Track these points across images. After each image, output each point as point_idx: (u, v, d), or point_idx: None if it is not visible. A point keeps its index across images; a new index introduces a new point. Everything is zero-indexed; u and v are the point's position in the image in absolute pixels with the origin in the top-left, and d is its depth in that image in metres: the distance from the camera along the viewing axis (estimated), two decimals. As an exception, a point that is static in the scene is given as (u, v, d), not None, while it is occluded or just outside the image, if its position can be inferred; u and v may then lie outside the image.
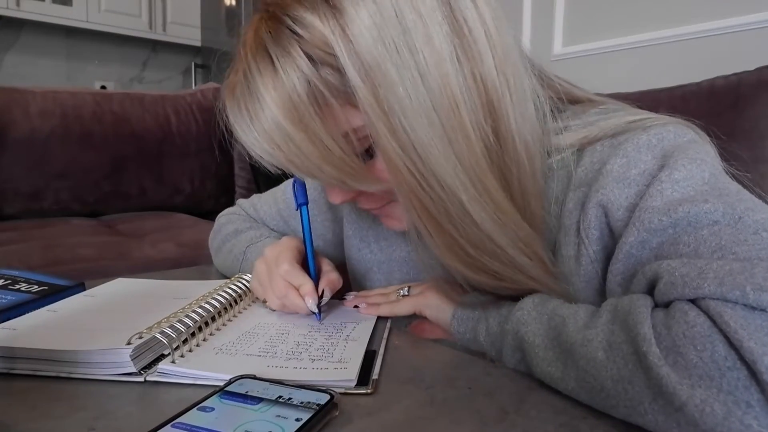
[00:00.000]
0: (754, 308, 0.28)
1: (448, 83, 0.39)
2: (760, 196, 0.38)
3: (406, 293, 0.55)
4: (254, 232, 0.70)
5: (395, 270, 0.63)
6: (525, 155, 0.43)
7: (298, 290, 0.52)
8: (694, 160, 0.39)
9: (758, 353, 0.27)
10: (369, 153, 0.43)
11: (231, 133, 0.44)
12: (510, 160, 0.42)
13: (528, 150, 0.43)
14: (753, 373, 0.27)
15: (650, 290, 0.36)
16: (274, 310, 0.54)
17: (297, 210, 0.55)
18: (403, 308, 0.53)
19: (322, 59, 0.39)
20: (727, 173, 0.41)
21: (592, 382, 0.34)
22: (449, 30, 0.40)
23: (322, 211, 0.70)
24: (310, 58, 0.39)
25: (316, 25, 0.39)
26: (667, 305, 0.33)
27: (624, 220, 0.40)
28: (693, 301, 0.31)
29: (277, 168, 0.43)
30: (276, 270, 0.52)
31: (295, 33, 0.40)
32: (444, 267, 0.47)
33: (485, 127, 0.41)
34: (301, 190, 0.55)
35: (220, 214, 0.80)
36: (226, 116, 0.44)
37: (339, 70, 0.39)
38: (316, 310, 0.51)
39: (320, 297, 0.52)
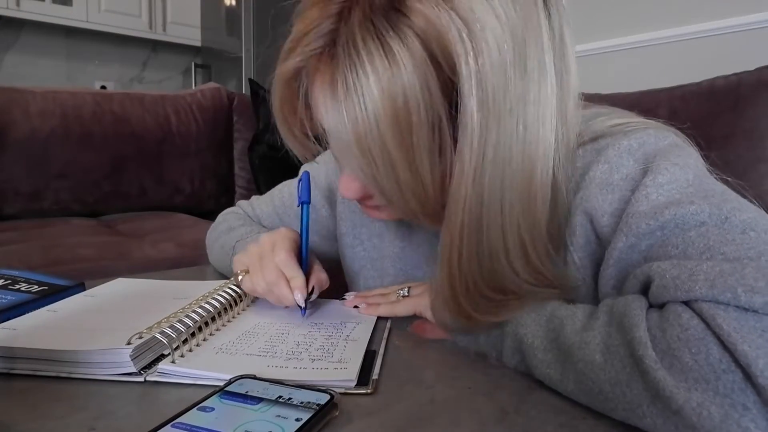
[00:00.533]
0: (746, 310, 0.29)
1: (545, 144, 0.39)
2: (744, 196, 0.38)
3: (406, 294, 0.55)
4: (245, 228, 0.71)
5: (388, 266, 0.63)
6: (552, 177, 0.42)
7: (288, 282, 0.51)
8: (676, 164, 0.39)
9: (752, 356, 0.27)
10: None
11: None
12: (556, 200, 0.42)
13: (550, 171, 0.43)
14: (748, 375, 0.27)
15: (644, 292, 0.36)
16: (245, 292, 0.53)
17: (298, 206, 0.55)
18: (403, 309, 0.53)
19: (445, 80, 0.37)
20: (712, 174, 0.41)
21: (590, 384, 0.34)
22: (557, 81, 0.39)
23: (317, 209, 0.70)
24: (438, 80, 0.37)
25: (451, 41, 0.36)
26: (661, 306, 0.33)
27: (610, 225, 0.41)
28: (686, 303, 0.31)
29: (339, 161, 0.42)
30: (271, 256, 0.52)
31: (422, 39, 0.36)
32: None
33: (550, 174, 0.40)
34: (306, 188, 0.55)
35: (220, 213, 0.81)
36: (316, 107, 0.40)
37: (451, 99, 0.37)
38: (303, 305, 0.51)
39: (309, 293, 0.52)
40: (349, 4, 0.38)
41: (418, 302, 0.53)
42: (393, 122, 0.37)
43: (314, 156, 0.48)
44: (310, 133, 0.44)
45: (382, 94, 0.36)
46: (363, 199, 0.49)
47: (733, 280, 0.29)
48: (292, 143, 0.47)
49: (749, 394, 0.27)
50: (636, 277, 0.36)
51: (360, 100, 0.37)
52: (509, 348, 0.42)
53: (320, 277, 0.54)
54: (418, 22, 0.36)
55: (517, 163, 0.38)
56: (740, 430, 0.27)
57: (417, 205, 0.41)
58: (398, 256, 0.62)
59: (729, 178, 0.41)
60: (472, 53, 0.35)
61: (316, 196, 0.70)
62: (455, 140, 0.38)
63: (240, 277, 0.54)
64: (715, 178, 0.41)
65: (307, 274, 0.53)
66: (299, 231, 0.55)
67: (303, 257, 0.54)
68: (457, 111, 0.37)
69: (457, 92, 0.37)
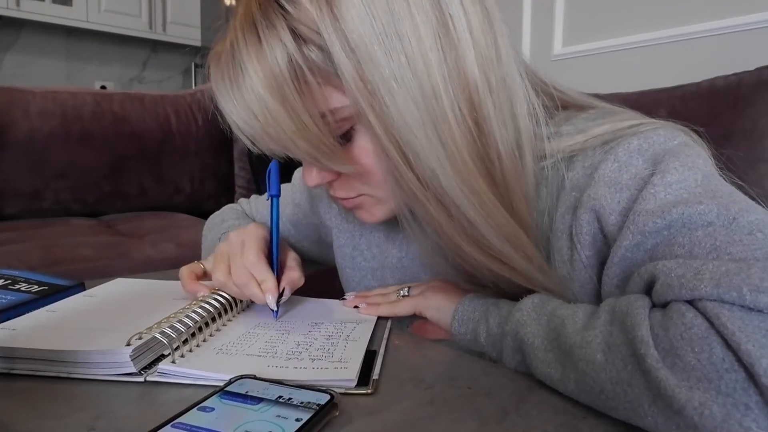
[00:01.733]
0: (751, 309, 0.28)
1: (432, 71, 0.40)
2: (755, 199, 0.38)
3: (406, 293, 0.55)
4: (236, 221, 0.71)
5: (388, 276, 0.63)
6: (510, 154, 0.44)
7: (258, 283, 0.50)
8: (685, 164, 0.39)
9: (756, 356, 0.27)
10: (347, 137, 0.45)
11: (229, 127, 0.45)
12: (493, 155, 0.43)
13: (513, 150, 0.44)
14: (751, 375, 0.27)
15: (647, 291, 0.36)
16: (212, 289, 0.52)
17: (268, 200, 0.54)
18: (403, 308, 0.53)
19: (307, 36, 0.40)
20: (721, 176, 0.41)
21: (591, 384, 0.34)
22: (435, 22, 0.41)
23: (308, 215, 0.71)
24: (294, 33, 0.40)
25: (304, 1, 0.40)
26: (664, 306, 0.33)
27: (617, 224, 0.41)
28: (690, 302, 0.31)
29: (255, 144, 0.45)
30: (240, 258, 0.51)
31: (282, 8, 0.41)
32: (439, 262, 0.48)
33: (467, 120, 0.42)
34: (275, 181, 0.54)
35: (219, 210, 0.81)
36: (212, 84, 0.46)
37: (323, 49, 0.40)
38: (275, 308, 0.50)
39: (280, 295, 0.50)
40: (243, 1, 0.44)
41: (419, 302, 0.53)
42: (268, 87, 0.41)
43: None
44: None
45: (255, 68, 0.41)
46: (327, 185, 0.51)
47: (738, 280, 0.29)
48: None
49: (752, 393, 0.27)
50: (640, 276, 0.36)
51: (239, 75, 0.42)
52: (509, 348, 0.42)
53: (292, 276, 0.52)
54: (288, 8, 0.41)
55: (414, 92, 0.40)
56: (742, 429, 0.27)
57: (331, 156, 0.44)
58: (397, 266, 0.62)
59: (744, 184, 0.41)
60: (327, 8, 0.39)
61: (305, 202, 0.71)
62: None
63: (212, 281, 0.52)
64: (730, 177, 0.42)
65: (279, 273, 0.52)
66: (269, 226, 0.54)
67: (273, 255, 0.53)
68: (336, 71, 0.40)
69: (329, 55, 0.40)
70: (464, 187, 0.42)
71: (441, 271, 0.51)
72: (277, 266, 0.53)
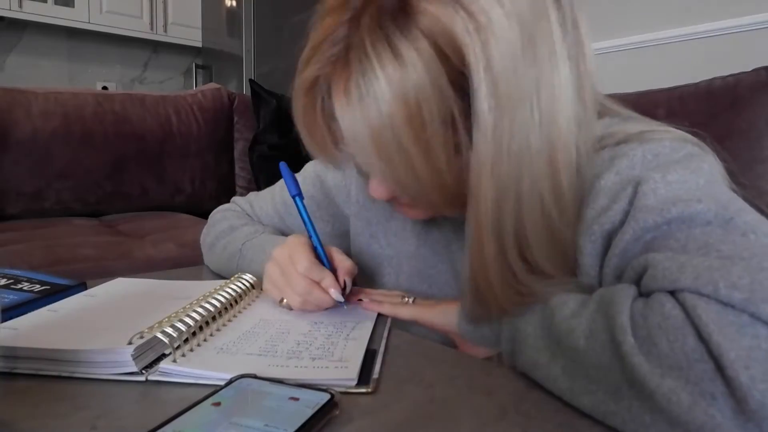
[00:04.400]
0: (726, 304, 0.29)
1: (564, 125, 0.39)
2: (757, 207, 0.38)
3: (411, 302, 0.56)
4: (249, 228, 0.70)
5: (404, 264, 0.63)
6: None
7: (319, 284, 0.52)
8: (688, 167, 0.40)
9: (725, 348, 0.28)
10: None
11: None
12: (582, 185, 0.42)
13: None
14: (719, 366, 0.28)
15: (638, 281, 0.36)
16: (292, 309, 0.54)
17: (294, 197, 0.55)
18: (405, 313, 0.53)
19: (456, 80, 0.37)
20: (732, 189, 0.41)
21: (577, 369, 0.35)
22: (571, 66, 0.40)
23: (322, 207, 0.70)
24: (447, 76, 0.37)
25: (459, 35, 0.36)
26: (649, 296, 0.34)
27: (617, 223, 0.40)
28: (672, 293, 0.32)
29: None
30: (294, 269, 0.52)
31: (429, 38, 0.37)
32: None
33: (576, 161, 0.41)
34: (291, 180, 0.55)
35: (215, 210, 0.78)
36: (323, 104, 0.41)
37: (462, 89, 0.37)
38: (342, 299, 0.53)
39: (343, 287, 0.53)
40: (360, 10, 0.39)
41: (423, 311, 0.53)
42: (407, 122, 0.38)
43: (339, 165, 0.48)
44: (332, 142, 0.44)
45: (393, 96, 0.37)
46: (392, 199, 0.49)
47: (717, 275, 0.30)
48: (316, 152, 0.46)
49: (718, 384, 0.28)
50: (633, 268, 0.37)
51: (373, 103, 0.38)
52: (506, 335, 0.42)
53: (346, 266, 0.55)
54: (424, 21, 0.37)
55: (537, 149, 0.38)
56: (707, 417, 0.28)
57: (440, 199, 0.42)
58: (414, 254, 0.62)
59: (745, 182, 0.41)
60: (479, 45, 0.36)
61: (318, 194, 0.70)
62: (470, 133, 0.39)
63: (284, 303, 0.54)
64: (737, 193, 0.41)
65: (332, 268, 0.54)
66: (301, 228, 0.55)
67: (319, 252, 0.54)
68: (470, 104, 0.38)
69: (469, 86, 0.37)
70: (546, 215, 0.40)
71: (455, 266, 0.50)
72: (328, 262, 0.54)
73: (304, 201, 0.56)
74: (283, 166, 0.55)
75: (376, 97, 0.37)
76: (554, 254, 0.41)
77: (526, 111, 0.38)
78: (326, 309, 0.54)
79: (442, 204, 0.43)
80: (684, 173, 0.39)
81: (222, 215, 0.76)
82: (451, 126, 0.39)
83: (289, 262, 0.53)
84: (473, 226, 0.40)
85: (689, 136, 0.44)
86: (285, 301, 0.54)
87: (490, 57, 0.36)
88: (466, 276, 0.43)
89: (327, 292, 0.52)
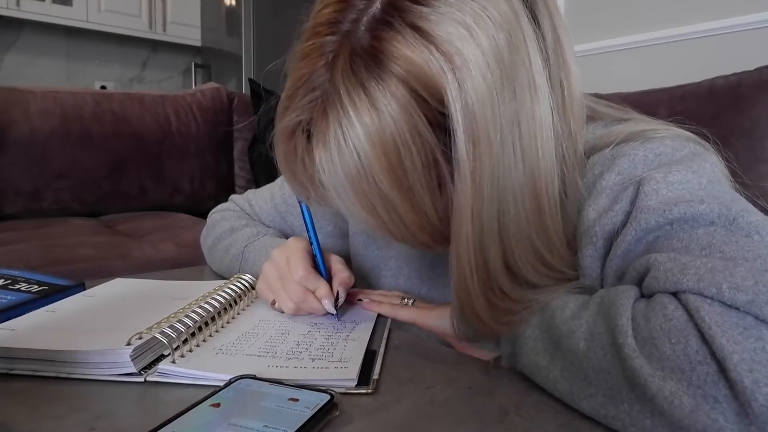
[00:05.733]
0: (729, 306, 0.29)
1: (546, 157, 0.38)
2: (759, 205, 0.38)
3: (410, 305, 0.55)
4: (251, 229, 0.69)
5: (402, 266, 0.63)
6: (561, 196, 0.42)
7: (314, 293, 0.52)
8: (690, 167, 0.39)
9: (728, 351, 0.27)
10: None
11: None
12: (567, 208, 0.41)
13: (563, 194, 0.42)
14: (722, 369, 0.28)
15: (641, 282, 0.36)
16: (283, 312, 0.54)
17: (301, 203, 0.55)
18: (404, 315, 0.53)
19: (435, 118, 0.37)
20: (735, 189, 0.41)
21: (575, 371, 0.34)
22: (550, 94, 0.39)
23: (322, 205, 0.70)
24: (426, 117, 0.36)
25: (434, 77, 0.35)
26: (651, 296, 0.34)
27: (619, 223, 0.40)
28: (675, 295, 0.32)
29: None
30: (290, 276, 0.52)
31: (404, 82, 0.36)
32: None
33: (560, 188, 0.40)
34: None
35: (213, 210, 0.78)
36: (305, 161, 0.40)
37: (445, 131, 0.37)
38: (335, 312, 0.52)
39: (336, 298, 0.52)
40: (335, 56, 0.38)
41: (422, 314, 0.52)
42: (387, 168, 0.37)
43: (326, 205, 0.46)
44: (313, 188, 0.43)
45: (371, 144, 0.36)
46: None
47: (720, 277, 0.30)
48: (301, 196, 0.46)
49: (721, 387, 0.28)
50: (635, 268, 0.36)
51: (351, 152, 0.37)
52: (505, 338, 0.42)
53: (342, 277, 0.54)
54: (399, 66, 0.36)
55: (519, 185, 0.38)
56: (709, 421, 0.28)
57: (427, 238, 0.42)
58: (413, 255, 0.62)
59: (748, 182, 0.41)
60: (456, 85, 0.35)
61: None
62: (453, 174, 0.38)
63: (276, 306, 0.54)
64: (740, 192, 0.40)
65: (329, 277, 0.54)
66: (302, 230, 0.55)
67: (318, 260, 0.54)
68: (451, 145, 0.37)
69: (448, 126, 0.37)
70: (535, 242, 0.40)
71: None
72: (325, 271, 0.54)
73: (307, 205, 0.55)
74: None
75: (354, 146, 0.37)
76: (548, 279, 0.41)
77: (507, 148, 0.37)
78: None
79: (431, 242, 0.42)
80: (686, 173, 0.39)
81: (221, 215, 0.75)
82: (434, 167, 0.38)
83: (286, 267, 0.53)
84: (455, 263, 0.39)
85: (691, 135, 0.44)
86: (277, 304, 0.54)
87: (466, 97, 0.35)
88: (454, 305, 0.42)
89: (320, 302, 0.52)
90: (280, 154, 0.43)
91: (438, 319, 0.50)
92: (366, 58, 0.37)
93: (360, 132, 0.36)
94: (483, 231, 0.37)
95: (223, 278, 0.69)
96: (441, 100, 0.36)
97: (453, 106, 0.35)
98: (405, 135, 0.36)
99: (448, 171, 0.38)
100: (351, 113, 0.36)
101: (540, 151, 0.38)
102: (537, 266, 0.40)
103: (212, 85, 2.00)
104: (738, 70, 1.15)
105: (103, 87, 3.05)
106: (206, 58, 3.18)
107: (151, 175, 1.78)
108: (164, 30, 3.22)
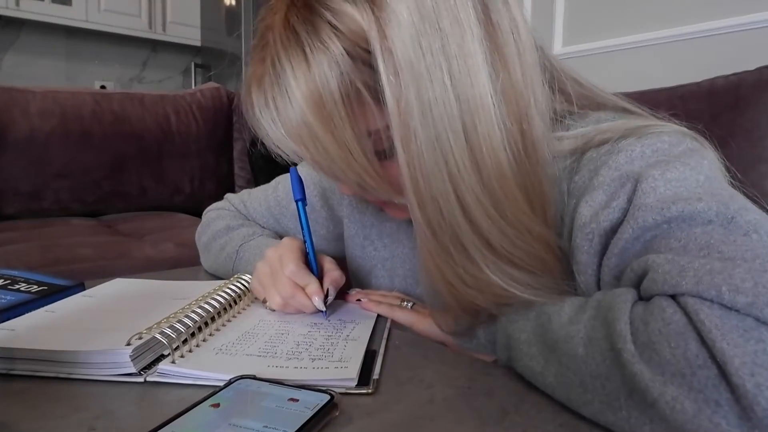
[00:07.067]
0: (729, 308, 0.28)
1: (479, 93, 0.38)
2: (758, 202, 0.38)
3: (409, 307, 0.55)
4: (246, 229, 0.69)
5: (398, 266, 0.63)
6: (546, 163, 0.42)
7: (304, 290, 0.52)
8: (687, 164, 0.39)
9: (729, 354, 0.27)
10: (385, 154, 0.43)
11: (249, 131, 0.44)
12: (534, 169, 0.41)
13: (546, 157, 0.42)
14: (723, 373, 0.27)
15: (639, 284, 0.36)
16: (275, 310, 0.54)
17: (296, 201, 0.55)
18: (402, 317, 0.53)
19: (358, 54, 0.38)
20: (731, 184, 0.40)
21: (572, 377, 0.34)
22: (483, 35, 0.39)
23: (316, 209, 0.70)
24: (347, 51, 0.38)
25: (355, 17, 0.38)
26: (649, 300, 0.33)
27: (616, 221, 0.40)
28: (673, 298, 0.31)
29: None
30: (281, 271, 0.53)
31: (331, 24, 0.38)
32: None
33: (516, 139, 0.39)
34: (297, 185, 0.55)
35: (208, 208, 0.78)
36: (250, 109, 0.44)
37: (371, 67, 0.38)
38: (324, 308, 0.52)
39: (326, 296, 0.52)
40: (275, 8, 0.42)
41: (420, 319, 0.53)
42: (307, 96, 0.39)
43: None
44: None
45: (294, 76, 0.39)
46: (376, 201, 0.49)
47: (719, 279, 0.29)
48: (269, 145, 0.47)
49: (722, 391, 0.27)
50: (633, 270, 0.36)
51: (281, 85, 0.40)
52: (500, 344, 0.42)
53: (333, 276, 0.54)
54: (328, 15, 0.38)
55: (452, 117, 0.38)
56: (712, 425, 0.27)
57: (357, 178, 0.42)
58: (408, 256, 0.62)
59: (745, 181, 0.41)
60: (377, 25, 0.37)
61: (314, 197, 0.69)
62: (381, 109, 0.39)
63: (267, 304, 0.54)
64: (737, 188, 0.40)
65: (320, 276, 0.54)
66: (300, 231, 0.55)
67: (311, 259, 0.54)
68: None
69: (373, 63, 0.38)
70: (497, 211, 0.39)
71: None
72: (317, 270, 0.54)
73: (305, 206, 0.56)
74: (293, 170, 0.55)
75: (279, 75, 0.40)
76: (520, 248, 0.40)
77: (436, 76, 0.37)
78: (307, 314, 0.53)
79: (364, 184, 0.43)
80: (684, 170, 0.38)
81: (217, 214, 0.75)
82: (356, 99, 0.39)
83: (278, 264, 0.53)
84: (413, 217, 0.41)
85: (687, 131, 0.44)
86: (268, 302, 0.54)
87: (390, 35, 0.37)
88: (423, 282, 0.42)
89: (310, 299, 0.52)
90: (249, 106, 0.46)
91: (435, 326, 0.50)
92: (301, 9, 0.40)
93: (287, 67, 0.39)
94: (424, 167, 0.38)
95: (219, 277, 0.69)
96: (365, 38, 0.38)
97: (375, 45, 0.37)
98: (323, 67, 0.38)
99: (377, 109, 0.40)
100: (280, 49, 0.40)
101: (475, 82, 0.38)
102: (499, 222, 0.39)
103: (212, 85, 1.99)
104: (738, 70, 1.15)
105: (102, 87, 3.06)
106: (206, 58, 3.18)
107: (151, 175, 1.78)
108: (164, 30, 3.22)
